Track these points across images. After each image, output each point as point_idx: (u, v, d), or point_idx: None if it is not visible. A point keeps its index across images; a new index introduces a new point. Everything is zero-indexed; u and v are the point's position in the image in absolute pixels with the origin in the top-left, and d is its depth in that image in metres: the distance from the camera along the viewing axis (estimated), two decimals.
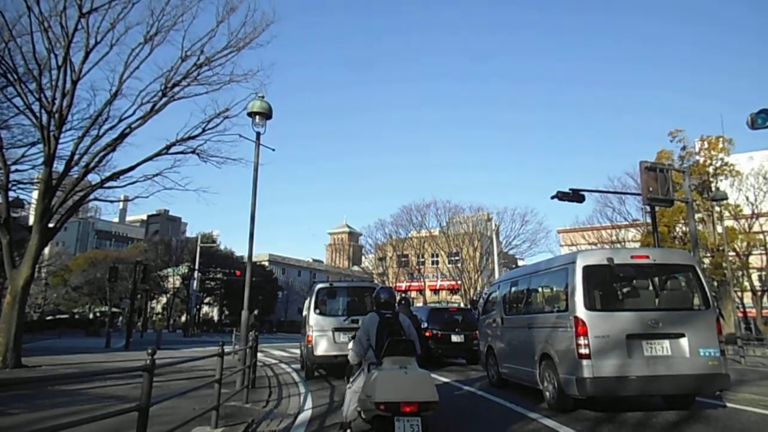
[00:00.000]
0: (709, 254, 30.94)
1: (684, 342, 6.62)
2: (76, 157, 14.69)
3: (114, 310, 50.53)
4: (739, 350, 16.27)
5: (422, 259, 54.65)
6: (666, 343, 6.61)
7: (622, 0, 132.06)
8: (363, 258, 72.06)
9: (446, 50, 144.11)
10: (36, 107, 13.73)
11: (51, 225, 14.86)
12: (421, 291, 54.19)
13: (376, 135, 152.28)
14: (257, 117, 10.37)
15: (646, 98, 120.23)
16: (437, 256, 53.54)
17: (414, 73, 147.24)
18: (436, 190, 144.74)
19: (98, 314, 58.39)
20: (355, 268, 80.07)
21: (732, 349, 16.11)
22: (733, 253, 32.27)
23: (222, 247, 68.33)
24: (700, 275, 7.31)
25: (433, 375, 6.52)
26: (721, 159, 31.90)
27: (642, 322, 6.65)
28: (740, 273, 34.03)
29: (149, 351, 3.86)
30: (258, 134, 10.43)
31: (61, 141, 14.40)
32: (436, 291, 55.83)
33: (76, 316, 54.27)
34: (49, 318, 51.16)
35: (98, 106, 14.86)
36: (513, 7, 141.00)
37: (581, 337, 6.56)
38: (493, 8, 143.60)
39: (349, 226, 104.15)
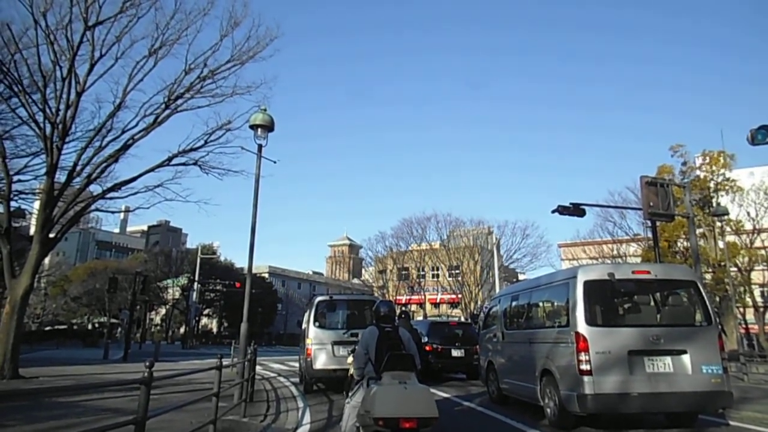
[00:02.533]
0: (710, 270, 30.81)
1: (686, 359, 6.57)
2: (79, 167, 14.73)
3: (113, 321, 50.30)
4: (741, 367, 16.14)
5: (423, 273, 54.50)
6: (668, 359, 6.56)
7: (620, 24, 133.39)
8: (363, 271, 71.93)
9: (447, 71, 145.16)
10: (40, 118, 13.81)
11: (52, 235, 14.85)
12: (421, 304, 53.98)
13: (377, 151, 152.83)
14: (259, 129, 10.41)
15: (646, 115, 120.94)
16: (438, 269, 53.41)
17: (416, 93, 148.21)
18: (436, 204, 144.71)
19: (97, 325, 58.15)
20: (355, 280, 79.91)
21: (735, 366, 15.98)
22: (735, 269, 32.13)
23: (222, 258, 68.26)
24: (702, 291, 7.28)
25: (433, 390, 6.46)
26: (722, 174, 31.91)
27: (644, 338, 6.60)
28: (742, 289, 33.82)
29: (147, 364, 3.84)
30: (260, 146, 10.46)
31: (63, 152, 14.47)
32: (436, 304, 55.61)
33: (75, 327, 54.08)
34: (47, 328, 50.96)
35: (102, 118, 14.95)
36: (512, 31, 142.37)
37: (582, 353, 6.51)
38: (495, 31, 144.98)
39: (349, 239, 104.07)
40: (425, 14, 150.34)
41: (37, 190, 16.74)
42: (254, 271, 11.10)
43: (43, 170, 14.58)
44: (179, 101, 15.30)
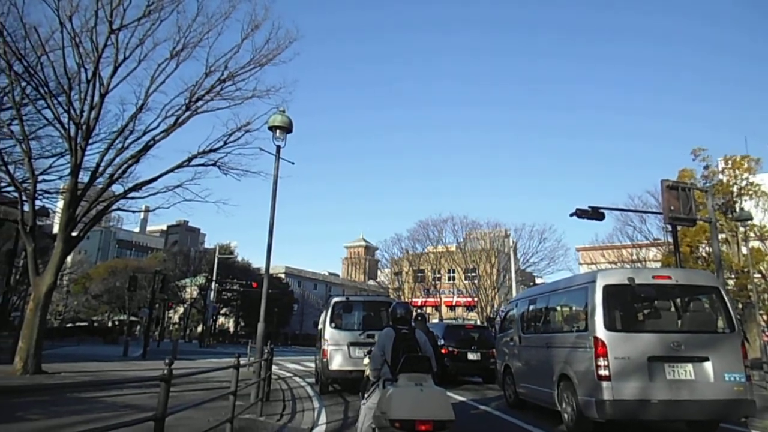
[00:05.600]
0: (733, 276, 30.15)
1: (708, 366, 6.45)
2: (101, 168, 14.99)
3: (132, 318, 51.11)
4: (765, 376, 15.77)
5: (438, 275, 54.29)
6: (689, 366, 6.45)
7: (644, 29, 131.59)
8: (379, 272, 71.95)
9: (463, 74, 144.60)
10: (65, 119, 14.09)
11: (74, 234, 15.13)
12: (437, 307, 53.76)
13: (394, 153, 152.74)
14: (278, 131, 10.54)
15: (669, 122, 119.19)
16: (454, 272, 53.15)
17: (435, 95, 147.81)
18: (453, 206, 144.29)
19: (117, 323, 59.11)
20: (371, 282, 79.90)
21: (758, 375, 15.60)
22: (759, 275, 31.38)
23: (239, 258, 68.80)
24: (725, 297, 7.14)
25: (449, 393, 6.43)
26: (746, 179, 31.23)
27: (664, 345, 6.50)
28: (766, 295, 33.04)
29: (167, 361, 3.89)
30: (278, 148, 10.59)
31: (87, 152, 14.72)
32: (452, 307, 55.34)
33: (95, 324, 55.07)
34: (69, 325, 51.99)
35: (125, 119, 15.20)
36: (533, 35, 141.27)
37: (601, 358, 6.44)
38: (515, 35, 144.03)
39: (365, 240, 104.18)
40: (450, 15, 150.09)
41: (61, 190, 17.11)
42: (271, 271, 11.18)
43: (67, 170, 14.89)
44: (199, 103, 15.47)
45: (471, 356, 14.17)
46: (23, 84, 14.21)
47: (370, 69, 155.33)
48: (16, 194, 15.32)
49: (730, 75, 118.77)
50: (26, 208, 14.70)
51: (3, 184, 18.01)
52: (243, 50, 21.06)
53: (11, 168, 15.39)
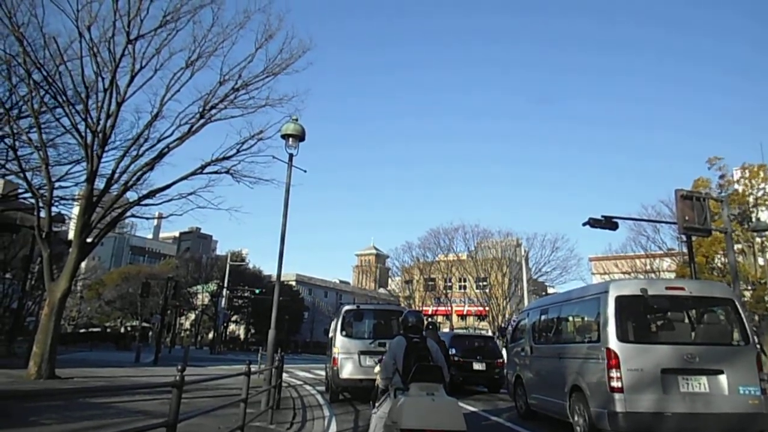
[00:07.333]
0: (750, 287, 29.65)
1: (723, 379, 6.36)
2: (117, 175, 15.21)
3: (144, 325, 51.47)
4: None
5: (449, 284, 54.04)
6: (703, 379, 6.36)
7: (658, 43, 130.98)
8: (390, 281, 71.82)
9: (475, 84, 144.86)
10: (82, 127, 14.34)
11: (89, 240, 15.34)
12: (447, 316, 53.49)
13: (405, 161, 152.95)
14: (290, 139, 10.59)
15: (682, 133, 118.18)
16: (465, 280, 52.87)
17: (444, 106, 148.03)
18: (464, 215, 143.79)
19: (129, 328, 59.53)
20: (382, 290, 79.75)
21: None
22: None
23: (251, 265, 69.07)
24: (740, 309, 7.05)
25: (460, 403, 6.40)
26: (763, 188, 30.80)
27: (678, 357, 6.43)
28: None
29: (179, 368, 3.93)
30: (291, 156, 10.65)
31: (103, 160, 14.97)
32: (463, 316, 55.02)
33: (108, 330, 55.54)
34: (82, 331, 52.47)
35: (140, 127, 15.42)
36: (546, 47, 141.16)
37: (613, 370, 6.37)
38: (528, 46, 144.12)
39: (376, 248, 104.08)
40: (457, 27, 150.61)
41: (77, 196, 17.36)
42: (282, 278, 11.21)
43: (83, 177, 15.13)
44: (213, 111, 15.67)
45: (476, 366, 14.08)
46: (42, 92, 14.51)
47: (383, 77, 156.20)
48: (33, 201, 15.59)
49: (748, 90, 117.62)
50: (42, 214, 14.95)
51: (20, 191, 18.36)
52: (257, 60, 21.29)
53: (29, 175, 15.70)
